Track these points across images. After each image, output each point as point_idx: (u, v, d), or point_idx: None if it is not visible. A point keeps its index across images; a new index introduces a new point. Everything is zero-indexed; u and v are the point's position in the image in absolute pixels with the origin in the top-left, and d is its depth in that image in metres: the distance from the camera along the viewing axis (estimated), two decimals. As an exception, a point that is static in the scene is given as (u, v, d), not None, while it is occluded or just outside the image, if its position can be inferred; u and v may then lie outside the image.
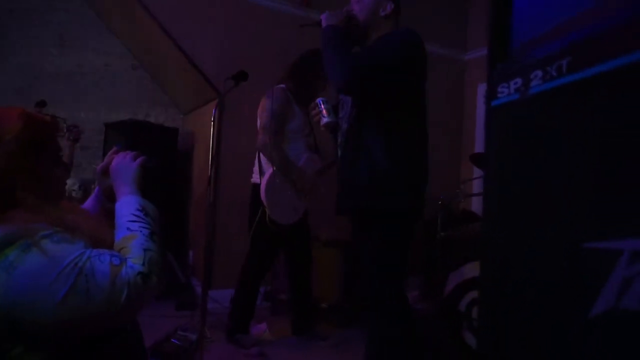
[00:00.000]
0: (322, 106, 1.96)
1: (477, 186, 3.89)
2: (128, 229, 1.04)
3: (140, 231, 1.03)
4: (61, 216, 0.97)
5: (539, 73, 0.47)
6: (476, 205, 4.07)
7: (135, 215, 1.07)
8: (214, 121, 2.28)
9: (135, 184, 1.17)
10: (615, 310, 0.38)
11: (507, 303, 0.52)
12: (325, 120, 1.95)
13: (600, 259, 0.39)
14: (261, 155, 2.63)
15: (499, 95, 0.52)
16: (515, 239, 0.51)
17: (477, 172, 3.65)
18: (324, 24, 1.81)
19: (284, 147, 2.58)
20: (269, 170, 2.53)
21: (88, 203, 1.35)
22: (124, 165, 1.20)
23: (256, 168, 2.68)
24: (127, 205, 1.10)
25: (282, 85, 2.64)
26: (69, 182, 3.31)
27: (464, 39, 4.73)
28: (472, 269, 2.48)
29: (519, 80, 0.49)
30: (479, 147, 4.31)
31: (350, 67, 1.63)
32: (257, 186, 2.60)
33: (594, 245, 0.40)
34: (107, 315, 0.89)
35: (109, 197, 1.30)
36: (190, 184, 4.10)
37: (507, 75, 0.52)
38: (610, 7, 0.43)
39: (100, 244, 0.98)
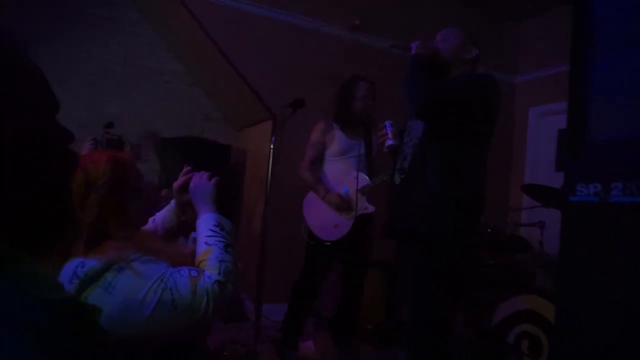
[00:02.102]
0: (389, 129, 2.02)
1: (525, 216, 3.84)
2: (206, 243, 1.17)
3: (217, 245, 1.16)
4: (146, 242, 1.12)
5: (619, 185, 0.53)
6: (524, 233, 4.01)
7: (213, 231, 1.20)
8: (272, 147, 2.43)
9: (212, 202, 1.31)
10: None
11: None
12: (389, 142, 2.00)
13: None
14: None
15: (578, 192, 0.59)
16: (586, 307, 0.57)
17: (526, 201, 3.61)
18: (413, 51, 1.93)
19: (323, 169, 2.88)
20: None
21: (162, 213, 1.51)
22: (202, 185, 1.35)
23: None
24: (206, 222, 1.24)
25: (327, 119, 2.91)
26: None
27: (514, 62, 4.69)
28: (523, 301, 2.45)
29: (598, 186, 0.56)
30: (528, 173, 4.25)
31: (431, 96, 1.76)
32: None
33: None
34: (191, 322, 1.00)
35: (183, 211, 1.47)
36: (241, 198, 4.26)
37: (586, 176, 0.58)
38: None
39: (178, 265, 1.09)
